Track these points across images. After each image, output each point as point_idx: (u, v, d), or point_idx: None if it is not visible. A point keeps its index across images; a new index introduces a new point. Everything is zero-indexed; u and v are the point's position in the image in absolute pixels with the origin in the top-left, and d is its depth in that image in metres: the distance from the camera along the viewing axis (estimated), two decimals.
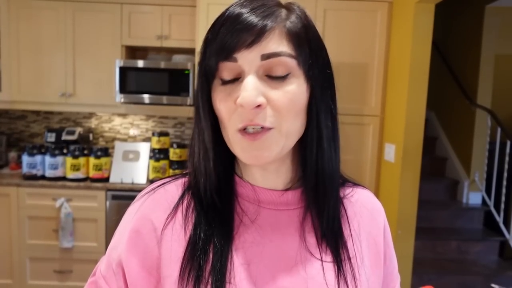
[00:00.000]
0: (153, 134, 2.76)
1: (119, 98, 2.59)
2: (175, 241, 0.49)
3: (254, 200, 0.51)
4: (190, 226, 0.50)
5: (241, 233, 0.50)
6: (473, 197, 3.40)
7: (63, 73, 2.66)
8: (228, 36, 0.44)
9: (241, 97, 0.43)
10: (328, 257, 0.50)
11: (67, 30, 2.63)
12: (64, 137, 2.72)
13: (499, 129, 3.14)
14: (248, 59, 0.44)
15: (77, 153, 2.51)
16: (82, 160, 2.52)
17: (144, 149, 2.78)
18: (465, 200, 3.42)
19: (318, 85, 0.48)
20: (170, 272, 0.47)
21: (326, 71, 0.49)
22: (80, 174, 2.52)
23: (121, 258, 0.49)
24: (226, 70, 0.45)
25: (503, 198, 3.10)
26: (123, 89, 2.58)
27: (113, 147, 2.92)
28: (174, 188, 0.53)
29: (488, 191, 3.32)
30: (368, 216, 0.56)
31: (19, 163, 2.79)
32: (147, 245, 0.49)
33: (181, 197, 0.52)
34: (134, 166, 2.69)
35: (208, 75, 0.47)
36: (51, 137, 2.75)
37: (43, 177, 2.54)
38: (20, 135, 3.01)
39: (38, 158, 2.51)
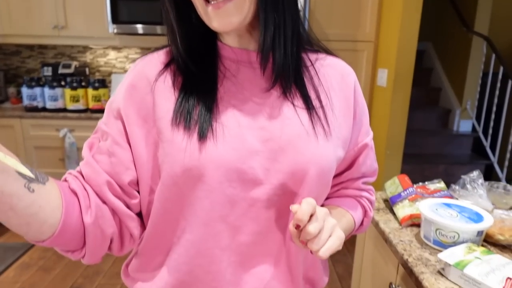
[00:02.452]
0: None
1: (112, 28, 2.56)
2: (168, 92, 0.57)
3: (234, 60, 0.59)
4: (180, 79, 0.57)
5: (225, 84, 0.58)
6: (464, 125, 3.50)
7: (53, 4, 2.62)
8: None
9: None
10: (301, 104, 0.58)
11: None
12: (61, 70, 2.75)
13: (493, 57, 3.15)
14: None
15: (75, 84, 2.55)
16: (80, 91, 2.57)
17: None
18: (455, 128, 3.52)
19: None
20: (164, 114, 0.55)
21: None
22: (80, 106, 2.58)
23: (120, 107, 0.56)
24: None
25: (491, 124, 3.20)
26: (115, 19, 2.55)
27: (110, 82, 2.95)
28: (167, 52, 0.60)
29: (478, 119, 3.42)
30: (338, 76, 0.63)
31: (19, 98, 2.85)
32: (143, 97, 0.56)
33: (172, 58, 0.59)
34: None
35: None
36: (48, 71, 2.77)
37: (44, 109, 2.61)
38: (17, 71, 3.03)
39: (37, 90, 2.56)
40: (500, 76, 3.12)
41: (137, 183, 0.58)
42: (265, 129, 0.56)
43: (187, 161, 0.52)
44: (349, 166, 0.69)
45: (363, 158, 0.68)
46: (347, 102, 0.63)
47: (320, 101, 0.60)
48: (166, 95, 0.56)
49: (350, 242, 2.62)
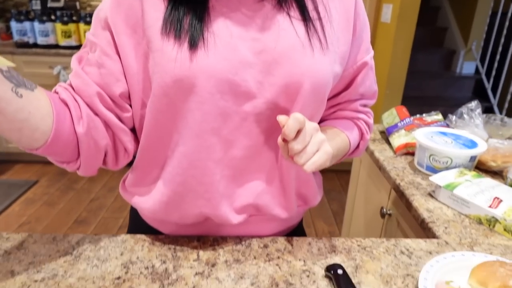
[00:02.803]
0: None
1: None
2: (157, 1, 0.53)
3: None
4: None
5: None
6: (467, 67, 3.43)
7: None
8: None
9: None
10: (297, 15, 0.55)
11: None
12: (50, 4, 2.62)
13: None
14: None
15: (65, 19, 2.45)
16: (72, 26, 2.47)
17: None
18: (458, 70, 3.45)
19: None
20: (153, 23, 0.52)
21: None
22: (72, 42, 2.50)
23: (107, 16, 0.54)
24: None
25: (495, 65, 3.13)
26: None
27: None
28: None
29: (482, 60, 3.34)
30: None
31: (9, 34, 2.74)
32: (131, 4, 0.53)
33: None
34: None
35: None
36: (36, 5, 2.64)
37: (36, 45, 2.52)
38: (4, 5, 2.88)
39: (27, 24, 2.46)
40: (509, 15, 2.99)
41: (128, 97, 0.57)
42: (259, 41, 0.53)
43: (178, 71, 0.51)
44: (347, 86, 0.67)
45: (361, 77, 0.66)
46: (346, 15, 0.60)
47: (318, 13, 0.56)
48: (155, 3, 0.53)
49: (344, 180, 2.69)
